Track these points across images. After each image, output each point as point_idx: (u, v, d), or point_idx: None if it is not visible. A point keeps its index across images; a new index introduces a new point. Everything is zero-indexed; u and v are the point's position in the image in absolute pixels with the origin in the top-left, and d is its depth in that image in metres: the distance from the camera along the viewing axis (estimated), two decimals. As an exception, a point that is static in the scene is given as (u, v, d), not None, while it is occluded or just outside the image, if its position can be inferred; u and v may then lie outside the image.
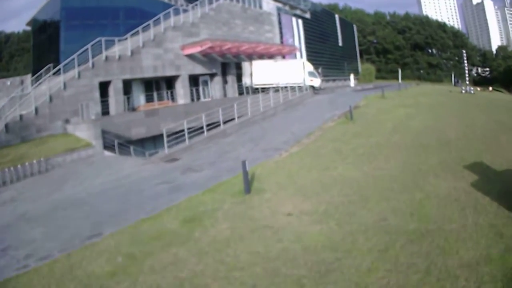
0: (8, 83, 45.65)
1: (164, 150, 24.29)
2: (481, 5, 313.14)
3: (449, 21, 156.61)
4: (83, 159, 23.98)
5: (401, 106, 34.39)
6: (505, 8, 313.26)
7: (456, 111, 33.27)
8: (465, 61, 67.56)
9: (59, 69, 30.11)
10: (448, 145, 19.40)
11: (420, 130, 23.34)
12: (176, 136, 25.38)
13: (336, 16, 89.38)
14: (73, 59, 29.90)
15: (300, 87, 43.43)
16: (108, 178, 19.53)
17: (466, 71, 67.03)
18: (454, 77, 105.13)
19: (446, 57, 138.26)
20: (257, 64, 47.18)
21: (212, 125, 27.83)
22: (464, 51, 69.39)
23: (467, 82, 60.72)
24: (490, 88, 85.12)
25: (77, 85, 29.59)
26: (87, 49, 30.66)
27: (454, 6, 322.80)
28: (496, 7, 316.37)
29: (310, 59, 66.31)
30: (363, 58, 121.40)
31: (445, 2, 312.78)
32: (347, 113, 28.91)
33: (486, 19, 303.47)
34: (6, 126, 24.78)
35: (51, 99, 27.30)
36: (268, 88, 43.37)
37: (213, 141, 26.17)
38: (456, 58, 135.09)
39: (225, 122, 28.88)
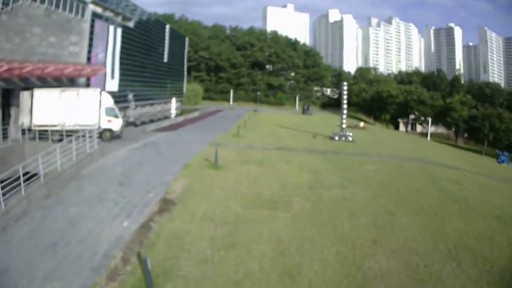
0: None
1: None
2: (338, 23, 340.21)
3: (295, 38, 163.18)
4: None
5: (253, 204, 22.85)
6: (370, 28, 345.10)
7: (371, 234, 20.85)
8: (345, 92, 54.87)
9: None
10: None
11: None
12: None
13: (167, 26, 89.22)
14: None
15: (89, 133, 32.47)
16: None
17: (345, 105, 54.99)
18: (304, 104, 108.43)
19: (292, 77, 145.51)
20: (40, 96, 38.11)
21: None
22: (345, 83, 56.57)
23: (343, 122, 53.09)
24: (362, 124, 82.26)
25: None
26: None
27: (306, 23, 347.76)
28: (358, 26, 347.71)
29: (125, 79, 64.17)
30: (191, 76, 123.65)
31: (295, 18, 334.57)
32: (137, 238, 17.73)
33: (342, 38, 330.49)
34: None
35: None
36: (55, 132, 37.81)
37: None
38: (303, 80, 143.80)
39: None
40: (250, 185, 26.14)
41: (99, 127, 38.18)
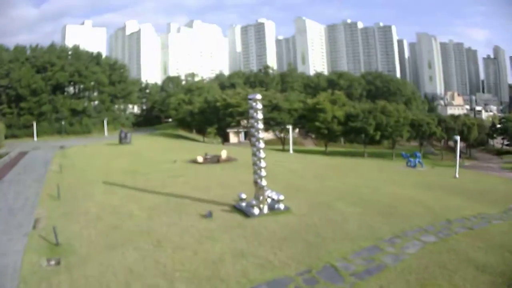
0: None
1: None
2: (136, 34, 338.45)
3: (98, 52, 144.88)
4: None
5: None
6: (169, 34, 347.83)
7: None
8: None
9: None
10: None
11: None
12: None
13: None
14: None
15: None
16: None
17: (260, 143, 25.13)
18: (121, 130, 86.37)
19: (97, 98, 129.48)
20: None
21: None
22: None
23: (260, 177, 24.50)
24: (224, 154, 49.83)
25: None
26: None
27: (104, 38, 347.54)
28: (157, 33, 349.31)
29: None
30: None
31: (93, 34, 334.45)
32: None
33: (139, 49, 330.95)
34: None
35: None
36: None
37: None
38: (109, 98, 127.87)
39: None
40: None
41: None
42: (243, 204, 25.34)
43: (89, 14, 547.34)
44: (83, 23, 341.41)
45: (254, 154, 25.06)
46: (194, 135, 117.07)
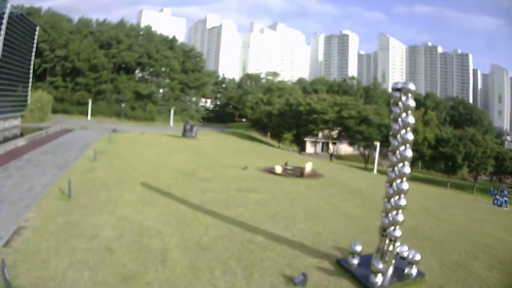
0: None
1: None
2: (217, 29, 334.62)
3: (174, 36, 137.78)
4: None
5: None
6: (251, 34, 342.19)
7: None
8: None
9: None
10: None
11: None
12: None
13: (8, 5, 58.95)
14: None
15: None
16: None
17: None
18: (186, 121, 73.70)
19: (167, 84, 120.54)
20: None
21: None
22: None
23: None
24: (310, 166, 38.50)
25: None
26: None
27: (183, 28, 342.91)
28: (238, 31, 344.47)
29: None
30: (46, 82, 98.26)
31: (172, 23, 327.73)
32: None
33: (219, 44, 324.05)
34: None
35: None
36: None
37: None
38: (180, 87, 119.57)
39: None
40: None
41: None
42: (355, 261, 15.09)
43: (168, 4, 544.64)
44: (161, 10, 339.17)
45: (390, 183, 14.54)
46: (268, 139, 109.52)
